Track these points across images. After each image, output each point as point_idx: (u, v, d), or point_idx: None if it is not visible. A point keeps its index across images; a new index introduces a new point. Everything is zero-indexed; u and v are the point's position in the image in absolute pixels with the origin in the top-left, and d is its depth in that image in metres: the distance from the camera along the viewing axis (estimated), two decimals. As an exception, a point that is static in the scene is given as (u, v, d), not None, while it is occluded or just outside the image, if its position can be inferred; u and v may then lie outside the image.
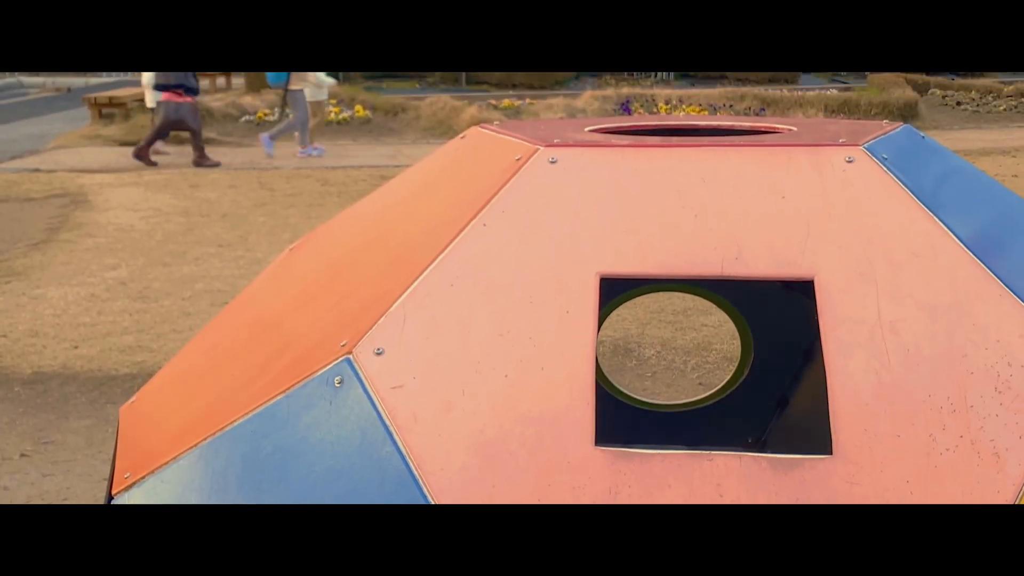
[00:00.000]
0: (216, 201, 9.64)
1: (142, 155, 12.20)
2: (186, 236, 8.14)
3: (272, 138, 12.76)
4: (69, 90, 22.72)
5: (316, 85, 13.12)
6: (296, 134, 12.99)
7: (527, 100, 17.75)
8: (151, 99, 12.67)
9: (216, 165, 12.09)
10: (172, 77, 11.96)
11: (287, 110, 13.03)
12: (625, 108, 16.02)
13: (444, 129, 15.22)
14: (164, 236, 8.14)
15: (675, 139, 2.15)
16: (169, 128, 12.26)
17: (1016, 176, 10.83)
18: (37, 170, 11.64)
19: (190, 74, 12.17)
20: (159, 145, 12.52)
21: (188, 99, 12.14)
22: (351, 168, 11.83)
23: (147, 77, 12.69)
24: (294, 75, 12.61)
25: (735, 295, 3.11)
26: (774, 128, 2.40)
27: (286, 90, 12.79)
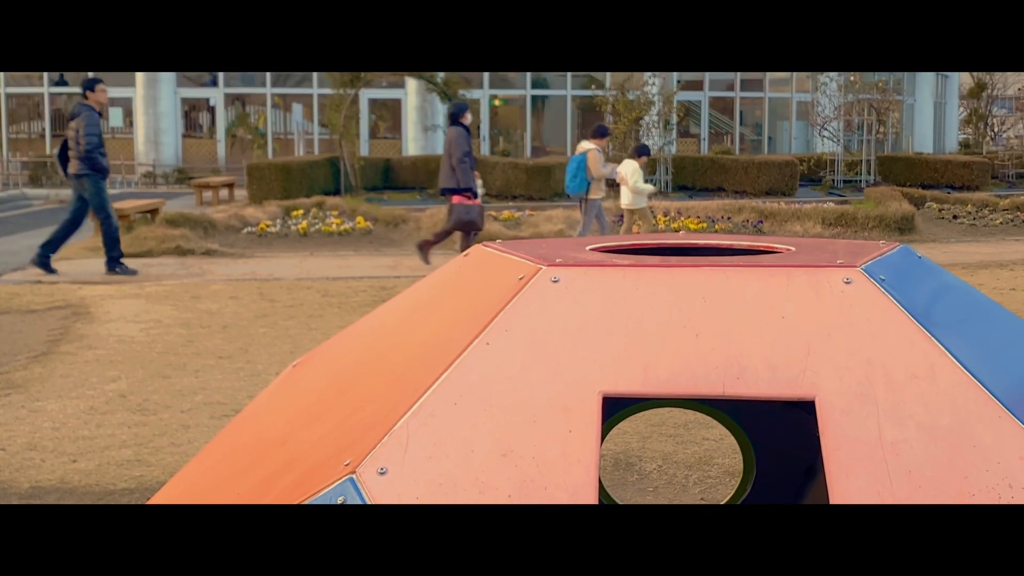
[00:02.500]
0: (217, 312, 9.67)
1: (425, 248, 12.72)
2: (186, 348, 8.15)
3: None
4: (72, 202, 22.90)
5: (634, 191, 13.36)
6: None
7: (527, 212, 17.92)
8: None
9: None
10: (459, 181, 12.41)
11: (584, 219, 13.33)
12: (623, 219, 16.16)
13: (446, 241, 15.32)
14: (164, 348, 8.15)
15: (675, 259, 2.18)
16: (460, 228, 12.60)
17: (1015, 289, 10.88)
18: (39, 282, 11.70)
19: (473, 179, 12.63)
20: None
21: (477, 202, 12.63)
22: (352, 279, 11.90)
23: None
24: (593, 184, 13.05)
25: (736, 410, 3.12)
26: (773, 248, 2.44)
27: (585, 199, 13.14)
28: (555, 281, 2.03)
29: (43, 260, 12.34)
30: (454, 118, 12.82)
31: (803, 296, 1.94)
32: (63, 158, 12.33)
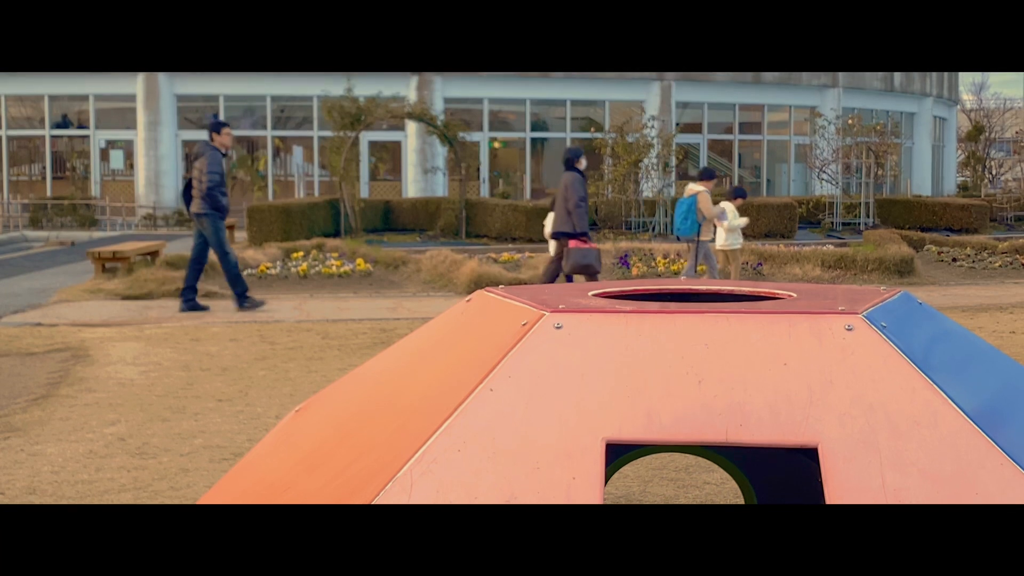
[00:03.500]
0: (217, 355, 9.66)
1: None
2: (186, 390, 8.14)
3: None
4: (73, 244, 22.95)
5: (729, 230, 13.59)
6: None
7: (527, 254, 17.95)
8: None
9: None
10: (575, 225, 12.59)
11: (700, 264, 13.42)
12: (623, 262, 16.19)
13: (444, 282, 15.35)
14: (164, 390, 8.14)
15: (678, 305, 2.19)
16: (578, 272, 12.67)
17: (1014, 332, 10.88)
18: (39, 324, 11.70)
19: (585, 222, 12.76)
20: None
21: (593, 245, 12.76)
22: (352, 321, 11.90)
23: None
24: (704, 225, 13.17)
25: (738, 454, 3.11)
26: (774, 294, 2.45)
27: (697, 242, 13.24)
28: (558, 327, 2.04)
29: (190, 304, 12.64)
30: (569, 163, 13.01)
31: (805, 343, 1.95)
32: (187, 197, 12.60)
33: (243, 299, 12.67)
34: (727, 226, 13.61)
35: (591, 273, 12.66)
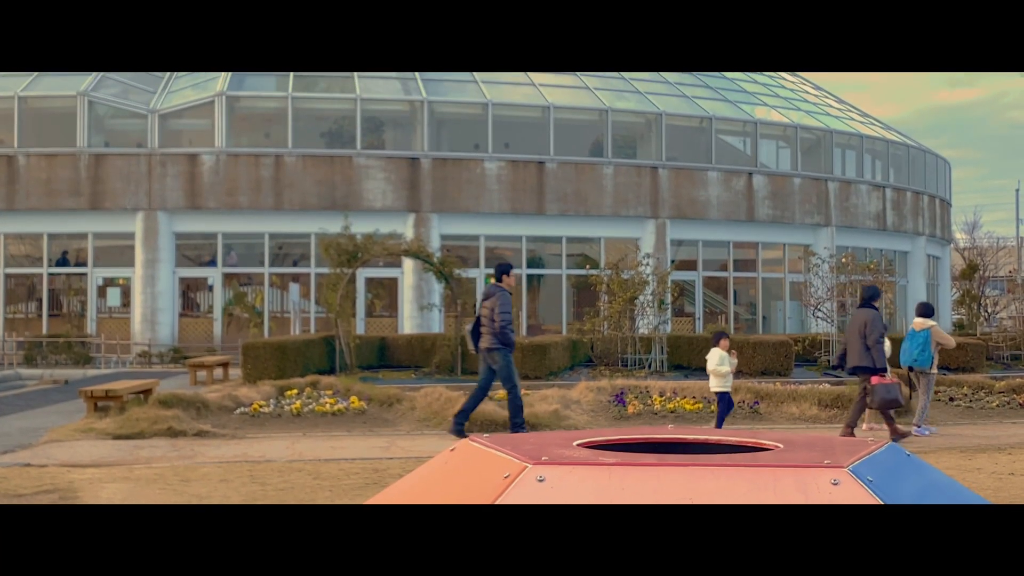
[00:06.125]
0: (206, 496, 9.54)
1: (845, 433, 13.27)
2: (174, 533, 8.02)
3: (921, 424, 13.95)
4: (66, 382, 22.87)
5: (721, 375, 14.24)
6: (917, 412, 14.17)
7: (522, 391, 17.86)
8: (718, 384, 14.34)
9: (904, 435, 13.39)
10: (875, 361, 13.39)
11: (927, 393, 14.13)
12: (619, 400, 16.12)
13: (439, 420, 15.25)
14: (152, 533, 8.02)
15: (662, 457, 2.16)
16: (886, 408, 13.36)
17: (1013, 474, 10.78)
18: (28, 464, 11.59)
19: (884, 358, 13.53)
20: (870, 424, 13.87)
21: (895, 380, 13.40)
22: (344, 461, 11.79)
23: (714, 362, 14.14)
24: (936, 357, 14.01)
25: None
26: (761, 444, 2.41)
27: (926, 373, 13.96)
28: (540, 480, 2.01)
29: (458, 428, 13.61)
30: (867, 301, 13.95)
31: (791, 497, 1.91)
32: (475, 334, 13.85)
33: (517, 429, 13.58)
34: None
35: (898, 407, 13.40)
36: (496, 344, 13.55)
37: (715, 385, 14.37)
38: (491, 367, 13.72)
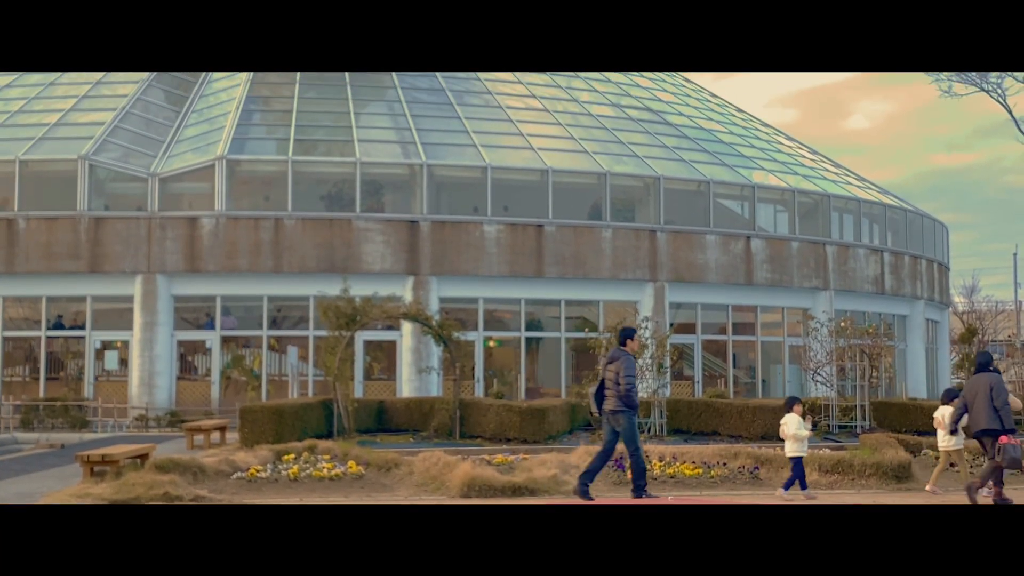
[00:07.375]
0: (202, 563, 9.42)
1: (973, 489, 13.77)
2: (168, 602, 7.90)
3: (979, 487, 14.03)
4: (63, 446, 22.75)
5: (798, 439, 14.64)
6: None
7: (520, 455, 17.76)
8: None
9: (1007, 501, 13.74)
10: (1004, 422, 13.80)
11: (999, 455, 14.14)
12: (619, 464, 15.98)
13: (437, 485, 15.15)
14: (146, 602, 7.90)
15: None
16: (1012, 467, 13.77)
17: (1015, 539, 10.65)
18: (22, 529, 11.45)
19: (1011, 419, 13.90)
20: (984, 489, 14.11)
21: (1018, 441, 13.80)
22: (341, 528, 11.66)
23: (793, 427, 14.50)
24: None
25: None
26: None
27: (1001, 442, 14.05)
28: None
29: (583, 489, 13.90)
30: (984, 366, 14.38)
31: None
32: (599, 397, 14.25)
33: (640, 491, 13.92)
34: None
35: (1020, 468, 13.86)
36: (621, 407, 13.97)
37: (792, 450, 14.67)
38: (615, 429, 14.09)
